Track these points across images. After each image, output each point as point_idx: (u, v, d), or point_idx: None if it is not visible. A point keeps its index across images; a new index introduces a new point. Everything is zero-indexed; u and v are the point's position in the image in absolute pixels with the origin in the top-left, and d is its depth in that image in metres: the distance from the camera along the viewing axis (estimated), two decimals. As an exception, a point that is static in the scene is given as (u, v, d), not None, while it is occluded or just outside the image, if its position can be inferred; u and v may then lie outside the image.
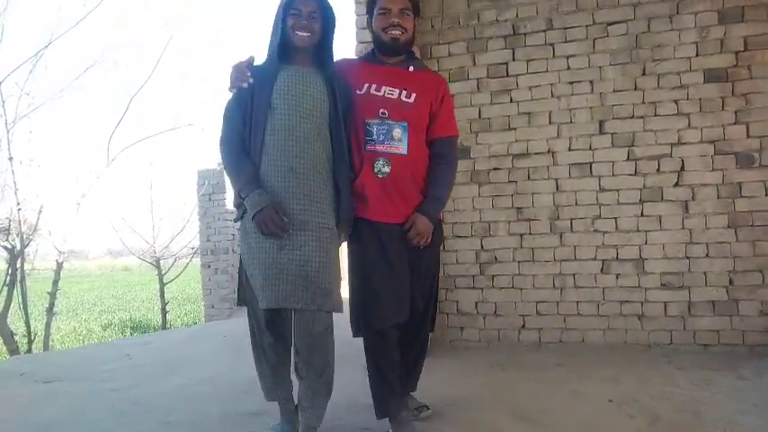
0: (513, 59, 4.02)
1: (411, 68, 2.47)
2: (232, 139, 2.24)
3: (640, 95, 3.78)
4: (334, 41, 2.37)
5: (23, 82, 7.73)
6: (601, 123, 3.86)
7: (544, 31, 3.95)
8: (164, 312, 10.97)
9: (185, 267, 11.88)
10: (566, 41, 3.91)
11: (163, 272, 11.31)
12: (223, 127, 2.27)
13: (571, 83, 3.91)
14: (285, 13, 2.25)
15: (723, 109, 3.64)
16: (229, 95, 2.30)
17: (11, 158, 7.57)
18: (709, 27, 3.65)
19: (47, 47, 7.82)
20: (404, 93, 2.39)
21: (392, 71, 2.45)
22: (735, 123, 3.62)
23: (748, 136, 3.60)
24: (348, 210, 2.31)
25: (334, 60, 2.38)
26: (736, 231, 3.62)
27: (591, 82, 3.87)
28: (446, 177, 2.45)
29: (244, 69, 2.24)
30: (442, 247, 2.49)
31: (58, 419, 2.87)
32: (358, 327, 2.39)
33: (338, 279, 2.28)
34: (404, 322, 2.37)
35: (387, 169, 2.34)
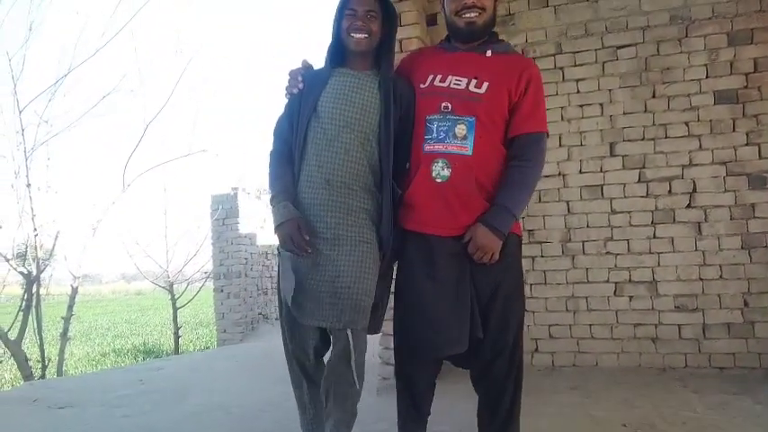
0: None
1: (489, 53, 2.08)
2: (278, 149, 2.13)
3: (651, 118, 3.79)
4: (396, 41, 2.21)
5: (42, 110, 7.88)
6: (611, 146, 3.87)
7: (553, 55, 3.99)
8: (176, 337, 10.97)
9: (198, 291, 11.91)
10: (575, 65, 3.94)
11: (176, 296, 11.35)
12: (273, 140, 2.16)
13: (581, 106, 3.93)
14: (341, 13, 2.09)
15: (734, 130, 3.64)
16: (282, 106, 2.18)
17: (29, 185, 7.68)
18: (718, 49, 3.66)
19: (65, 75, 7.97)
20: (473, 82, 2.02)
21: (464, 57, 2.09)
22: (746, 144, 3.62)
23: (760, 157, 3.59)
24: (388, 229, 2.07)
25: (403, 55, 2.20)
26: (749, 253, 3.59)
27: (601, 105, 3.89)
28: (519, 181, 2.01)
29: (296, 75, 2.12)
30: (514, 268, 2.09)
31: (71, 444, 2.87)
32: (400, 361, 2.12)
33: (373, 295, 2.06)
34: (466, 360, 2.05)
35: (446, 173, 1.98)
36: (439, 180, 1.98)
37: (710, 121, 3.67)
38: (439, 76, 2.06)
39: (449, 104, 2.01)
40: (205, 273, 11.57)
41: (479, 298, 2.00)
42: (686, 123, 3.72)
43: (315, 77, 2.11)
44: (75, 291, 8.72)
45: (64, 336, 8.51)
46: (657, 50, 3.78)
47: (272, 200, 2.05)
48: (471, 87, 2.01)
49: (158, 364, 5.86)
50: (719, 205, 3.65)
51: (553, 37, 4.00)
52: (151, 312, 21.70)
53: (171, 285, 11.40)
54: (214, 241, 9.81)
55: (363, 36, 2.05)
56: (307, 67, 2.17)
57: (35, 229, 7.79)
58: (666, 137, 3.75)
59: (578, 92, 3.93)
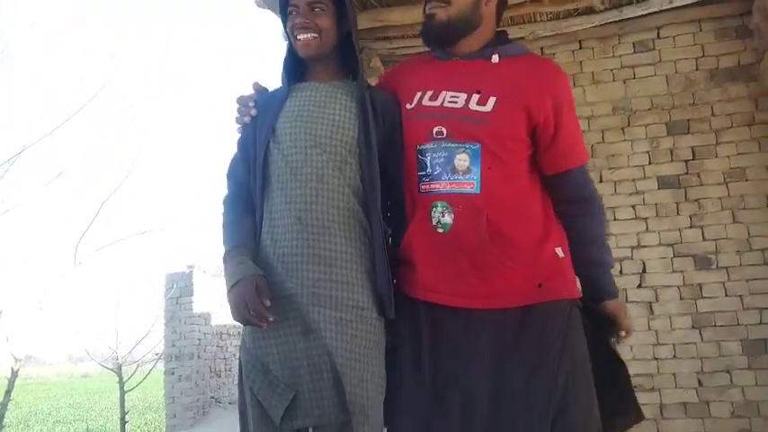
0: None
1: (495, 58, 1.56)
2: (232, 193, 1.65)
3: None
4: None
5: (-7, 186, 7.72)
6: (564, 227, 3.98)
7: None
8: (123, 423, 10.38)
9: (148, 374, 11.40)
10: (526, 150, 4.10)
11: (124, 379, 10.83)
12: (226, 184, 1.69)
13: (533, 188, 4.05)
14: (283, 14, 1.65)
15: (678, 214, 3.80)
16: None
17: (-27, 262, 7.39)
18: (658, 138, 3.88)
19: (20, 153, 7.88)
20: (475, 98, 1.51)
21: (462, 66, 1.59)
22: (690, 227, 3.78)
23: (704, 239, 3.75)
24: (384, 281, 1.52)
25: (389, 69, 1.83)
26: (700, 332, 3.67)
27: (552, 188, 4.02)
28: (599, 231, 1.63)
29: (246, 101, 1.66)
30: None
31: None
32: None
33: (378, 387, 1.50)
34: None
35: (448, 219, 1.47)
36: (440, 230, 1.48)
37: (656, 204, 3.84)
38: (429, 93, 1.57)
39: (443, 129, 1.51)
40: (156, 354, 11.14)
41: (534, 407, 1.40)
42: (633, 206, 3.88)
43: (270, 100, 1.66)
44: (15, 374, 8.24)
45: (-1, 423, 7.96)
46: (602, 138, 3.98)
47: (224, 257, 1.54)
48: (473, 105, 1.51)
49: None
50: (669, 285, 3.76)
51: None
52: (97, 396, 20.53)
53: (119, 367, 10.89)
54: (167, 321, 9.52)
55: (310, 36, 1.59)
56: (259, 90, 1.72)
57: (-24, 309, 7.44)
58: (615, 219, 3.89)
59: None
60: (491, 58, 1.57)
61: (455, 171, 1.49)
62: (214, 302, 10.08)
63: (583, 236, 1.59)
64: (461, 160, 1.49)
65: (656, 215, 3.83)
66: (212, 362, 9.85)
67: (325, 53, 1.65)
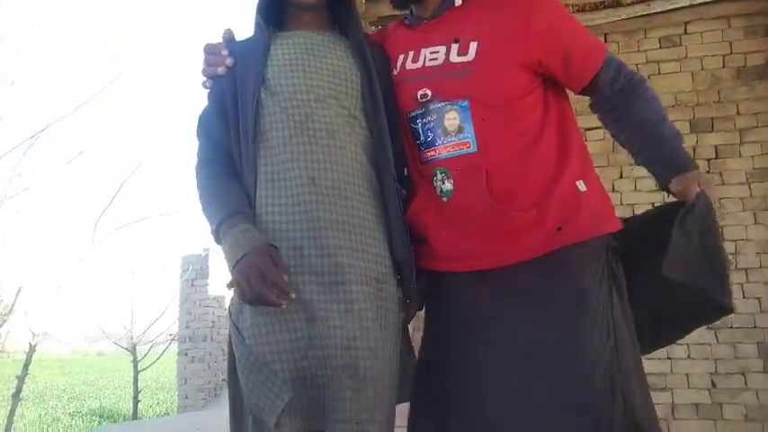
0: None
1: (457, 1, 1.42)
2: (208, 157, 1.40)
3: (619, 197, 3.90)
4: None
5: (16, 163, 7.84)
6: (581, 222, 3.95)
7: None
8: (135, 401, 10.56)
9: (161, 354, 11.57)
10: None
11: (138, 358, 11.00)
12: (198, 144, 1.43)
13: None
14: None
15: (698, 212, 3.75)
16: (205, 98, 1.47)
17: (-6, 238, 7.53)
18: (682, 135, 3.82)
19: (43, 131, 7.99)
20: (454, 48, 1.37)
21: (434, 24, 1.45)
22: (710, 227, 3.72)
23: (724, 239, 3.70)
24: (402, 247, 1.37)
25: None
26: (716, 333, 3.63)
27: (571, 182, 4.00)
28: (658, 110, 1.47)
29: (218, 49, 1.42)
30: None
31: None
32: None
33: (394, 381, 1.35)
34: None
35: (448, 185, 1.37)
36: (444, 198, 1.37)
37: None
38: (411, 55, 1.45)
39: (427, 91, 1.39)
40: (170, 335, 11.30)
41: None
42: (652, 204, 3.83)
43: (248, 48, 1.42)
44: (32, 349, 8.41)
45: (16, 396, 8.12)
46: (625, 133, 3.93)
47: (218, 228, 1.29)
48: (453, 57, 1.37)
49: (114, 430, 5.60)
50: (685, 285, 3.72)
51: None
52: (111, 375, 20.85)
53: (134, 347, 11.06)
54: (181, 303, 9.62)
55: None
56: (231, 39, 1.46)
57: (-3, 284, 7.58)
58: (634, 214, 3.84)
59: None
60: (454, 2, 1.42)
61: (447, 133, 1.37)
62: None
63: (642, 119, 1.43)
64: (451, 119, 1.36)
65: (676, 213, 3.79)
66: (225, 344, 9.95)
67: (320, 2, 1.44)
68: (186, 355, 9.22)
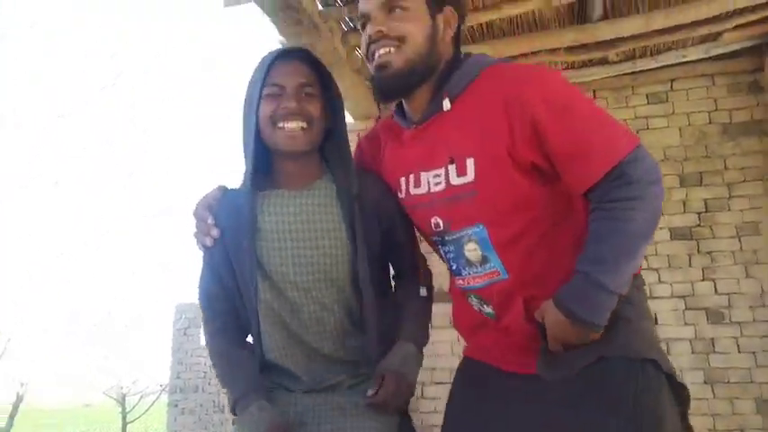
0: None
1: (446, 104, 1.28)
2: (219, 328, 1.43)
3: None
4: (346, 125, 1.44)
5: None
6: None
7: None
8: (122, 455, 10.28)
9: (151, 405, 11.33)
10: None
11: (127, 410, 10.76)
12: (204, 317, 1.47)
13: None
14: (257, 93, 1.34)
15: (690, 266, 3.77)
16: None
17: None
18: (671, 189, 3.88)
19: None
20: (452, 169, 1.27)
21: (422, 134, 1.33)
22: (702, 280, 3.74)
23: (716, 292, 3.71)
24: (372, 348, 1.39)
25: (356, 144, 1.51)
26: (712, 388, 3.60)
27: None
28: (601, 232, 1.18)
29: (204, 217, 1.39)
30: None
31: None
32: None
33: None
34: None
35: (488, 309, 1.33)
36: (486, 315, 1.34)
37: (668, 255, 3.82)
38: (411, 178, 1.36)
39: (439, 220, 1.32)
40: (161, 385, 11.09)
41: None
42: (645, 257, 3.85)
43: (232, 215, 1.38)
44: (20, 399, 8.23)
45: (-1, 451, 7.91)
46: (616, 187, 3.98)
47: (235, 406, 1.34)
48: (453, 179, 1.27)
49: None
50: (681, 338, 3.70)
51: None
52: (97, 426, 20.33)
53: (123, 397, 10.84)
54: (173, 352, 9.50)
55: (299, 125, 1.33)
56: (214, 199, 1.43)
57: (-15, 333, 7.49)
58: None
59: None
60: (441, 106, 1.29)
61: (471, 264, 1.31)
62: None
63: (589, 236, 1.20)
64: (471, 251, 1.29)
65: (669, 266, 3.80)
66: (216, 396, 9.76)
67: (311, 149, 1.38)
68: (176, 406, 9.05)
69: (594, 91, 4.09)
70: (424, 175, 1.33)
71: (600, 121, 1.21)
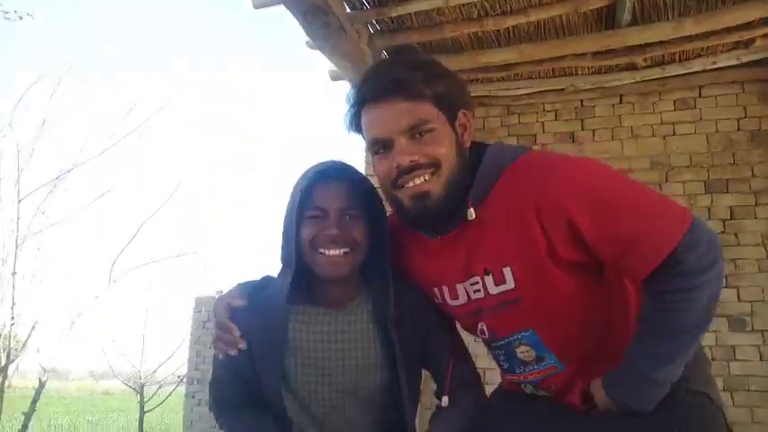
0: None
1: (471, 213, 1.20)
2: (233, 405, 1.40)
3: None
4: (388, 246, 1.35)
5: (41, 201, 8.04)
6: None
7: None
8: (140, 443, 10.43)
9: (169, 395, 11.48)
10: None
11: (145, 399, 10.91)
12: (223, 419, 1.42)
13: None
14: (297, 214, 1.29)
15: (713, 272, 3.76)
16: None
17: (14, 273, 7.65)
18: (696, 195, 3.87)
19: (69, 171, 8.23)
20: (489, 280, 1.22)
21: (450, 247, 1.27)
22: (726, 287, 3.72)
23: (739, 300, 3.69)
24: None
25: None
26: (732, 395, 3.58)
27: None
28: (653, 326, 1.14)
29: (230, 328, 1.32)
30: None
31: None
32: None
33: None
34: None
35: (545, 394, 1.32)
36: (539, 395, 1.34)
37: (691, 261, 3.80)
38: (446, 291, 1.32)
39: (484, 328, 1.30)
40: (179, 377, 11.23)
41: None
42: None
43: (263, 327, 1.31)
44: (42, 385, 8.40)
45: (22, 433, 8.08)
46: (640, 192, 3.98)
47: None
48: (493, 289, 1.22)
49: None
50: (702, 345, 3.69)
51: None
52: (116, 414, 20.62)
53: (141, 387, 10.99)
54: (192, 344, 9.62)
55: (340, 252, 1.27)
56: (239, 304, 1.35)
57: (12, 318, 7.66)
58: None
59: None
60: (467, 216, 1.20)
61: (525, 363, 1.27)
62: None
63: (637, 330, 1.17)
64: (524, 353, 1.26)
65: (691, 273, 3.79)
66: (233, 389, 9.89)
67: (352, 272, 1.32)
68: (194, 397, 9.15)
69: (621, 96, 4.09)
70: (459, 287, 1.28)
71: (644, 207, 1.12)
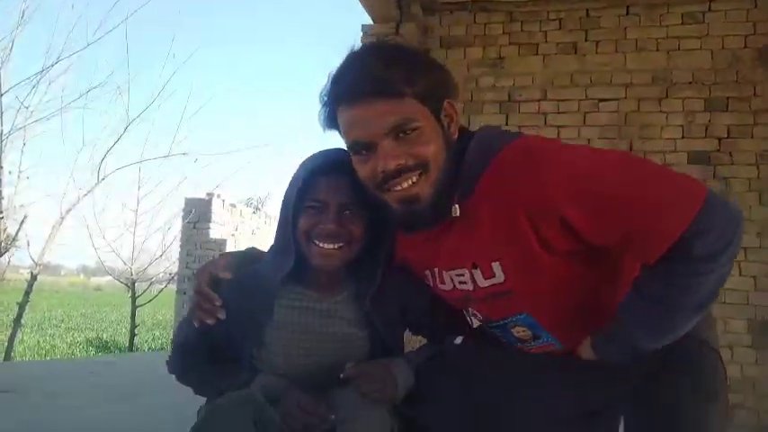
0: (507, 124, 4.16)
1: (455, 210, 1.16)
2: (201, 357, 1.39)
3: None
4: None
5: (24, 96, 7.84)
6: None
7: (538, 100, 4.10)
8: (132, 335, 10.79)
9: (159, 292, 11.76)
10: (558, 112, 4.06)
11: (137, 294, 11.18)
12: (175, 355, 1.44)
13: (561, 151, 4.04)
14: (297, 206, 1.29)
15: (703, 191, 3.77)
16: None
17: (0, 168, 7.58)
18: (695, 112, 3.82)
19: (53, 65, 7.97)
20: (477, 274, 1.22)
21: (433, 238, 1.25)
22: (713, 206, 3.75)
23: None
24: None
25: None
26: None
27: (579, 152, 4.01)
28: (654, 298, 1.10)
29: (212, 298, 1.30)
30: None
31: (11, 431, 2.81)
32: None
33: None
34: None
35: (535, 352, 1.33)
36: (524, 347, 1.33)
37: (682, 179, 3.81)
38: (436, 274, 1.31)
39: (476, 312, 1.30)
40: (170, 274, 11.46)
41: None
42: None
43: (247, 296, 1.32)
44: (34, 278, 8.54)
45: (17, 321, 8.31)
46: (638, 107, 3.92)
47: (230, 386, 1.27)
48: (481, 281, 1.22)
49: (111, 359, 5.76)
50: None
51: (540, 84, 4.11)
52: (108, 309, 21.24)
53: (133, 283, 11.23)
54: (183, 244, 9.74)
55: (336, 246, 1.27)
56: (224, 275, 1.35)
57: (1, 213, 7.66)
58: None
59: (559, 138, 4.05)
60: (453, 212, 1.17)
61: (522, 340, 1.28)
62: (228, 230, 10.27)
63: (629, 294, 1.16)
64: (520, 332, 1.27)
65: (681, 191, 3.81)
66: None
67: (343, 265, 1.32)
68: (185, 294, 9.37)
69: (628, 7, 3.94)
70: (445, 274, 1.27)
71: (643, 197, 1.06)
